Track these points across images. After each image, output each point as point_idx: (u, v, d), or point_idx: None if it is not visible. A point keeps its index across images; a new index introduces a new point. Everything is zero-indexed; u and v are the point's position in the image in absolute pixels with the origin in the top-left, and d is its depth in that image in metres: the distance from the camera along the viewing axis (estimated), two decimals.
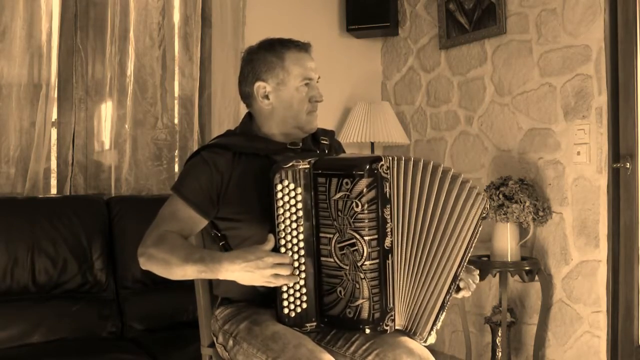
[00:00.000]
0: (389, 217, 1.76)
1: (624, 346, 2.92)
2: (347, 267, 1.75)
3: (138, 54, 3.51)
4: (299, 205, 1.78)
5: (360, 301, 1.74)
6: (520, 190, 3.07)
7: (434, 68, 3.89)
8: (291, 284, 1.79)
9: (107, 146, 3.46)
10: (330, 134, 2.19)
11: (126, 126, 3.46)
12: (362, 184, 1.72)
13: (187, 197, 1.93)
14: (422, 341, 1.87)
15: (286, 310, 1.81)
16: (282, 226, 1.78)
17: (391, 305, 1.78)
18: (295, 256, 1.79)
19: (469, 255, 1.88)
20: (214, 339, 2.03)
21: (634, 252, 2.90)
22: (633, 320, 2.90)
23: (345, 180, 1.73)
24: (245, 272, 1.74)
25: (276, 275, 1.74)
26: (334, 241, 1.76)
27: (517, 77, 3.37)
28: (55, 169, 3.37)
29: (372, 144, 3.86)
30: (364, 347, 1.84)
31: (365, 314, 1.74)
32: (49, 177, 3.32)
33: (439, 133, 3.86)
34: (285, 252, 1.78)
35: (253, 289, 1.85)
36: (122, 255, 3.07)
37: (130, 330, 3.00)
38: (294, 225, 1.79)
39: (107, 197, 3.28)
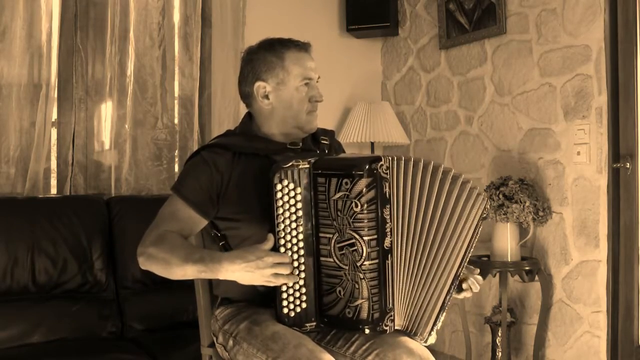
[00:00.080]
0: (388, 217, 1.76)
1: (624, 346, 2.92)
2: (347, 267, 1.75)
3: (138, 54, 3.51)
4: (299, 205, 1.78)
5: (360, 301, 1.74)
6: (520, 190, 3.07)
7: (434, 68, 3.89)
8: (291, 284, 1.79)
9: (107, 146, 3.46)
10: (330, 134, 2.19)
11: (126, 126, 3.46)
12: (362, 184, 1.72)
13: (187, 197, 1.93)
14: (422, 341, 1.87)
15: (286, 310, 1.81)
16: (282, 226, 1.78)
17: (390, 305, 1.78)
18: (295, 256, 1.79)
19: (470, 255, 1.88)
20: (214, 339, 2.03)
21: (634, 252, 2.90)
22: (633, 320, 2.90)
23: (344, 180, 1.73)
24: (245, 272, 1.74)
25: (276, 275, 1.74)
26: (333, 241, 1.76)
27: (517, 77, 3.37)
28: (55, 169, 3.37)
29: (372, 144, 3.86)
30: (364, 347, 1.84)
31: (364, 314, 1.75)
32: (49, 177, 3.32)
33: (439, 133, 3.86)
34: (284, 252, 1.78)
35: (253, 289, 1.85)
36: (122, 255, 3.07)
37: (130, 330, 3.00)
38: (294, 225, 1.79)
39: (107, 197, 3.29)
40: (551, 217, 3.16)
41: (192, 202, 1.92)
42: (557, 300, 3.14)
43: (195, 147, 3.51)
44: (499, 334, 3.16)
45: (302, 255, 1.79)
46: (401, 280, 1.82)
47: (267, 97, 2.00)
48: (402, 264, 1.81)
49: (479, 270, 1.98)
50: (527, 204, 3.04)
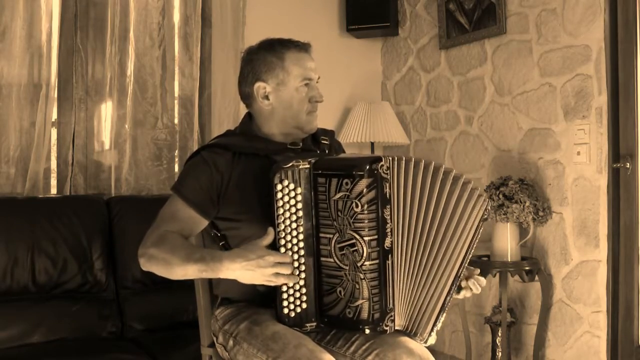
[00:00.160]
0: (388, 217, 1.76)
1: (624, 346, 2.92)
2: (347, 268, 1.75)
3: (138, 54, 3.51)
4: (299, 206, 1.78)
5: (360, 301, 1.74)
6: (520, 190, 3.07)
7: (434, 68, 3.89)
8: (291, 284, 1.79)
9: (107, 146, 3.46)
10: (330, 134, 2.19)
11: (126, 126, 3.46)
12: (362, 184, 1.72)
13: (187, 197, 1.93)
14: (422, 342, 1.86)
15: (286, 310, 1.81)
16: (282, 226, 1.78)
17: (391, 305, 1.78)
18: (295, 256, 1.79)
19: (470, 256, 1.87)
20: (214, 339, 2.03)
21: (634, 252, 2.90)
22: (633, 320, 2.90)
23: (345, 181, 1.73)
24: (246, 270, 1.74)
25: (277, 275, 1.74)
26: (333, 241, 1.76)
27: (517, 77, 3.37)
28: (55, 169, 3.37)
29: (372, 144, 3.86)
30: (364, 347, 1.84)
31: (365, 314, 1.75)
32: (49, 177, 3.32)
33: (439, 133, 3.86)
34: (285, 252, 1.78)
35: (253, 289, 1.85)
36: (122, 255, 3.07)
37: (130, 330, 3.00)
38: (294, 225, 1.79)
39: (107, 197, 3.28)
40: (551, 217, 3.16)
41: (192, 202, 1.92)
42: (557, 300, 3.14)
43: (195, 147, 3.51)
44: (499, 334, 3.16)
45: (303, 256, 1.79)
46: (401, 281, 1.82)
47: (267, 97, 2.00)
48: (403, 264, 1.81)
49: (479, 271, 1.98)
50: (527, 204, 3.04)
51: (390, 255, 1.77)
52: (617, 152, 2.95)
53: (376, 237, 1.74)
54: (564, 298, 3.11)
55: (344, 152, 2.23)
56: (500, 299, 3.15)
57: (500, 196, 3.08)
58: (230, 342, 1.92)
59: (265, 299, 1.88)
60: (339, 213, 1.74)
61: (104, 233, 3.06)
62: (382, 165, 1.74)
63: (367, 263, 1.73)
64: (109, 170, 3.43)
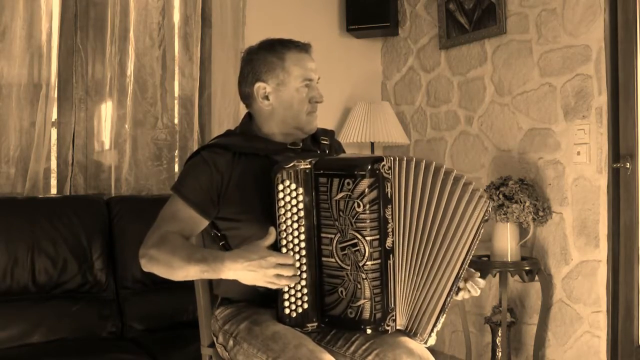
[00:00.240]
0: (390, 217, 1.76)
1: (624, 346, 2.92)
2: (349, 268, 1.75)
3: (138, 54, 3.51)
4: (300, 206, 1.78)
5: (362, 301, 1.74)
6: (520, 190, 3.07)
7: (434, 68, 3.89)
8: (292, 285, 1.79)
9: (107, 146, 3.46)
10: (330, 134, 2.19)
11: (126, 126, 3.46)
12: (364, 184, 1.72)
13: (188, 197, 1.93)
14: (422, 342, 1.86)
15: (287, 311, 1.81)
16: (284, 226, 1.78)
17: (392, 305, 1.78)
18: (297, 256, 1.79)
19: (471, 257, 1.87)
20: (214, 339, 2.03)
21: (634, 252, 2.90)
22: (633, 320, 2.90)
23: (347, 181, 1.73)
24: (248, 271, 1.73)
25: (278, 276, 1.74)
26: (335, 241, 1.76)
27: (517, 77, 3.37)
28: (55, 169, 3.37)
29: (372, 144, 3.86)
30: (364, 347, 1.83)
31: (366, 314, 1.74)
32: (49, 177, 3.32)
33: (439, 133, 3.86)
34: (286, 252, 1.78)
35: (253, 289, 1.84)
36: (122, 255, 3.07)
37: (130, 330, 3.00)
38: (295, 225, 1.79)
39: (107, 197, 3.28)
40: (551, 217, 3.16)
41: (192, 202, 1.92)
42: (557, 300, 3.15)
43: (195, 147, 3.51)
44: (499, 334, 3.16)
45: (304, 256, 1.79)
46: (402, 281, 1.82)
47: (267, 97, 2.00)
48: (404, 264, 1.81)
49: (479, 274, 1.98)
50: (527, 204, 3.04)
51: (391, 255, 1.77)
52: (617, 152, 2.95)
53: (378, 237, 1.74)
54: (564, 298, 3.12)
55: (344, 152, 2.23)
56: (500, 299, 3.15)
57: (500, 196, 3.08)
58: (231, 342, 1.92)
59: (265, 299, 1.88)
60: (341, 213, 1.74)
61: (104, 233, 3.06)
62: (384, 165, 1.74)
63: (369, 263, 1.73)
64: (109, 170, 3.43)
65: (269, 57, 1.99)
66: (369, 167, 1.72)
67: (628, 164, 2.90)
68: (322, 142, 2.12)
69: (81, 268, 2.97)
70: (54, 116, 3.33)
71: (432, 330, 1.86)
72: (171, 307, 3.06)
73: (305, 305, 1.81)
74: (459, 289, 1.93)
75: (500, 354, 3.16)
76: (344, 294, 1.77)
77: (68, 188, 3.34)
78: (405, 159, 1.80)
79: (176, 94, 3.66)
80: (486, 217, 1.88)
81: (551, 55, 3.19)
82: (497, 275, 3.12)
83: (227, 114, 3.60)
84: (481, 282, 1.96)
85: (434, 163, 1.84)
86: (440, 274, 1.84)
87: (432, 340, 1.88)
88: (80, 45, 3.40)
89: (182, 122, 3.66)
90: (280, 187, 1.78)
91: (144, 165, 3.53)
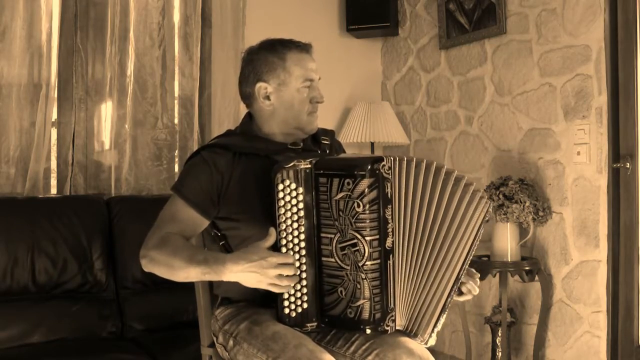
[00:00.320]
0: (390, 217, 1.75)
1: (624, 346, 2.92)
2: (348, 267, 1.75)
3: (138, 54, 3.51)
4: (300, 205, 1.78)
5: (362, 301, 1.74)
6: (520, 190, 3.07)
7: (434, 68, 3.89)
8: (292, 284, 1.79)
9: (107, 146, 3.46)
10: (330, 134, 2.19)
11: (126, 126, 3.46)
12: (364, 184, 1.72)
13: (188, 197, 1.93)
14: (422, 343, 1.86)
15: (287, 310, 1.81)
16: (284, 226, 1.78)
17: (392, 305, 1.78)
18: (297, 256, 1.79)
19: (471, 258, 1.87)
20: (214, 339, 2.03)
21: (634, 252, 2.90)
22: (633, 320, 2.90)
23: (347, 181, 1.73)
24: (249, 272, 1.73)
25: (280, 276, 1.73)
26: (335, 241, 1.76)
27: (517, 77, 3.37)
28: (55, 169, 3.37)
29: (372, 144, 3.86)
30: (363, 347, 1.83)
31: (366, 314, 1.74)
32: (49, 177, 3.32)
33: (439, 133, 3.86)
34: (286, 252, 1.78)
35: (253, 288, 1.84)
36: (122, 255, 3.07)
37: (130, 330, 3.00)
38: (295, 225, 1.79)
39: (107, 197, 3.28)
40: (551, 217, 3.16)
41: (192, 202, 1.92)
42: (557, 300, 3.15)
43: (195, 147, 3.51)
44: (499, 334, 3.16)
45: (304, 256, 1.79)
46: (402, 281, 1.81)
47: (268, 97, 2.00)
48: (404, 265, 1.81)
49: (479, 275, 1.98)
50: (527, 204, 3.04)
51: (391, 255, 1.77)
52: (617, 152, 2.95)
53: (378, 237, 1.74)
54: (564, 298, 3.12)
55: (344, 152, 2.23)
56: (500, 299, 3.15)
57: (500, 196, 3.08)
58: (230, 342, 1.92)
59: (265, 299, 1.88)
60: (341, 213, 1.74)
61: (104, 233, 3.06)
62: (384, 165, 1.74)
63: (368, 263, 1.73)
64: (109, 170, 3.43)
65: (270, 57, 1.99)
66: (369, 167, 1.72)
67: (628, 164, 2.90)
68: (323, 142, 2.12)
69: (81, 268, 2.97)
70: (54, 116, 3.34)
71: (432, 331, 1.86)
72: (171, 307, 3.06)
73: (305, 305, 1.81)
74: (461, 292, 1.93)
75: (500, 354, 3.16)
76: (343, 294, 1.77)
77: (68, 188, 3.34)
78: (405, 159, 1.80)
79: (176, 94, 3.66)
80: (487, 218, 1.88)
81: (551, 55, 3.19)
82: (497, 275, 3.13)
83: (227, 114, 3.60)
84: (477, 281, 1.95)
85: (435, 163, 1.84)
86: (441, 275, 1.84)
87: (432, 341, 1.88)
88: (80, 45, 3.40)
89: (182, 122, 3.66)
90: (281, 186, 1.78)
91: (144, 165, 3.54)
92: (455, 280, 1.85)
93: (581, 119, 3.05)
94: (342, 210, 1.74)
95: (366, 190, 1.72)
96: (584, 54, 3.03)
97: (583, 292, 3.03)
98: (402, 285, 1.82)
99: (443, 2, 3.76)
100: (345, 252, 1.75)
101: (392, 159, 1.78)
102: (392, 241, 1.77)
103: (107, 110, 3.46)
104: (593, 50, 2.99)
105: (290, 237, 1.78)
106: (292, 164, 1.78)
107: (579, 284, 3.05)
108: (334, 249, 1.77)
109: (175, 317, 3.05)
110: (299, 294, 1.80)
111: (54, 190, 3.35)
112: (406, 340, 1.83)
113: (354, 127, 3.81)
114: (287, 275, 1.75)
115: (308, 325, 1.82)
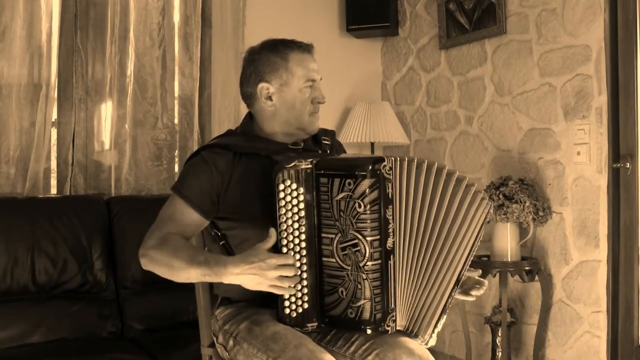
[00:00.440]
0: (391, 217, 1.75)
1: (624, 346, 2.92)
2: (349, 268, 1.75)
3: (138, 54, 3.51)
4: (301, 205, 1.78)
5: (362, 302, 1.74)
6: (520, 190, 3.07)
7: (434, 68, 3.89)
8: (292, 285, 1.79)
9: (107, 146, 3.46)
10: (330, 134, 2.19)
11: (126, 126, 3.46)
12: (365, 184, 1.72)
13: (188, 197, 1.92)
14: (423, 343, 1.86)
15: (287, 311, 1.81)
16: (284, 226, 1.78)
17: (393, 305, 1.78)
18: (297, 256, 1.79)
19: (472, 259, 1.87)
20: (214, 339, 2.03)
21: (634, 252, 2.91)
22: (633, 320, 2.90)
23: (347, 181, 1.73)
24: (249, 274, 1.73)
25: (280, 278, 1.73)
26: (335, 241, 1.76)
27: (517, 77, 3.37)
28: (55, 169, 3.37)
29: (372, 144, 3.86)
30: (363, 347, 1.83)
31: (367, 315, 1.74)
32: (49, 177, 3.32)
33: (439, 133, 3.86)
34: (287, 252, 1.78)
35: None
36: (122, 255, 3.07)
37: (130, 330, 3.00)
38: (296, 225, 1.78)
39: (107, 197, 3.28)
40: (551, 217, 3.16)
41: (192, 202, 1.92)
42: (557, 300, 3.15)
43: (195, 147, 3.51)
44: (499, 334, 3.16)
45: (304, 256, 1.79)
46: (403, 281, 1.81)
47: (270, 98, 2.00)
48: (404, 265, 1.81)
49: (480, 272, 1.98)
50: (527, 204, 3.04)
51: (392, 256, 1.77)
52: (617, 152, 2.95)
53: (378, 237, 1.74)
54: (564, 298, 3.12)
55: (344, 152, 2.23)
56: (500, 299, 3.15)
57: (500, 196, 3.08)
58: (231, 342, 1.92)
59: (265, 299, 1.87)
60: (341, 213, 1.74)
61: (104, 233, 3.06)
62: (385, 166, 1.74)
63: (369, 263, 1.73)
64: (109, 170, 3.43)
65: (272, 57, 1.99)
66: (370, 167, 1.72)
67: (628, 164, 2.90)
68: (323, 142, 2.12)
69: (81, 268, 2.97)
70: (54, 116, 3.34)
71: (432, 332, 1.86)
72: (171, 307, 3.06)
73: (306, 305, 1.81)
74: (465, 292, 1.93)
75: (500, 354, 3.17)
76: (344, 294, 1.77)
77: (68, 188, 3.34)
78: (406, 159, 1.80)
79: (176, 94, 3.66)
80: (488, 220, 1.89)
81: (551, 55, 3.19)
82: (497, 275, 3.13)
83: (227, 114, 3.60)
84: (484, 282, 1.96)
85: (436, 164, 1.83)
86: (442, 276, 1.84)
87: (432, 341, 1.88)
88: (80, 45, 3.40)
89: (182, 122, 3.66)
90: (281, 186, 1.78)
91: (144, 165, 3.53)
92: (456, 281, 1.85)
93: (581, 119, 3.05)
94: (343, 210, 1.74)
95: (367, 190, 1.72)
96: (584, 54, 3.03)
97: (583, 292, 3.03)
98: (403, 285, 1.81)
99: (443, 2, 3.76)
100: (346, 252, 1.75)
101: (393, 159, 1.78)
102: (393, 241, 1.77)
103: (107, 110, 3.46)
104: (593, 50, 2.99)
105: (290, 237, 1.78)
106: (293, 164, 1.78)
107: (579, 284, 3.05)
108: (334, 249, 1.77)
109: (175, 317, 3.05)
110: (299, 294, 1.80)
111: (54, 190, 3.35)
112: (406, 341, 1.83)
113: (354, 127, 3.81)
114: (288, 277, 1.74)
115: (308, 325, 1.82)
